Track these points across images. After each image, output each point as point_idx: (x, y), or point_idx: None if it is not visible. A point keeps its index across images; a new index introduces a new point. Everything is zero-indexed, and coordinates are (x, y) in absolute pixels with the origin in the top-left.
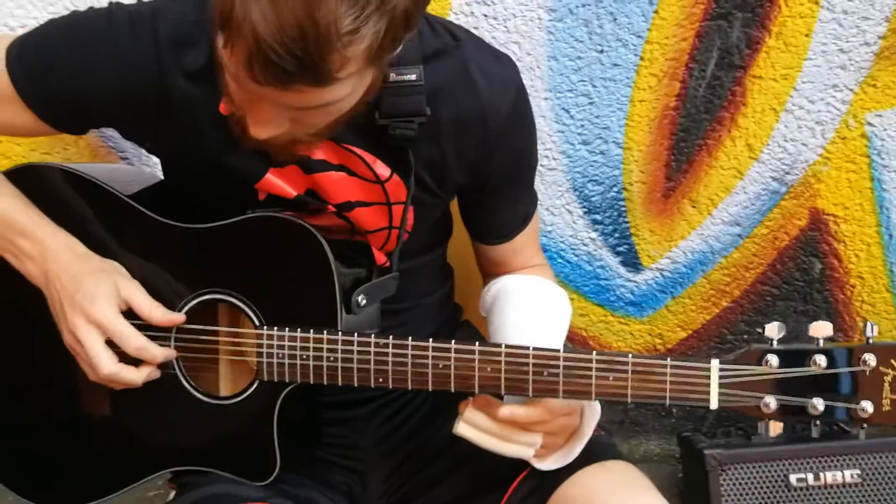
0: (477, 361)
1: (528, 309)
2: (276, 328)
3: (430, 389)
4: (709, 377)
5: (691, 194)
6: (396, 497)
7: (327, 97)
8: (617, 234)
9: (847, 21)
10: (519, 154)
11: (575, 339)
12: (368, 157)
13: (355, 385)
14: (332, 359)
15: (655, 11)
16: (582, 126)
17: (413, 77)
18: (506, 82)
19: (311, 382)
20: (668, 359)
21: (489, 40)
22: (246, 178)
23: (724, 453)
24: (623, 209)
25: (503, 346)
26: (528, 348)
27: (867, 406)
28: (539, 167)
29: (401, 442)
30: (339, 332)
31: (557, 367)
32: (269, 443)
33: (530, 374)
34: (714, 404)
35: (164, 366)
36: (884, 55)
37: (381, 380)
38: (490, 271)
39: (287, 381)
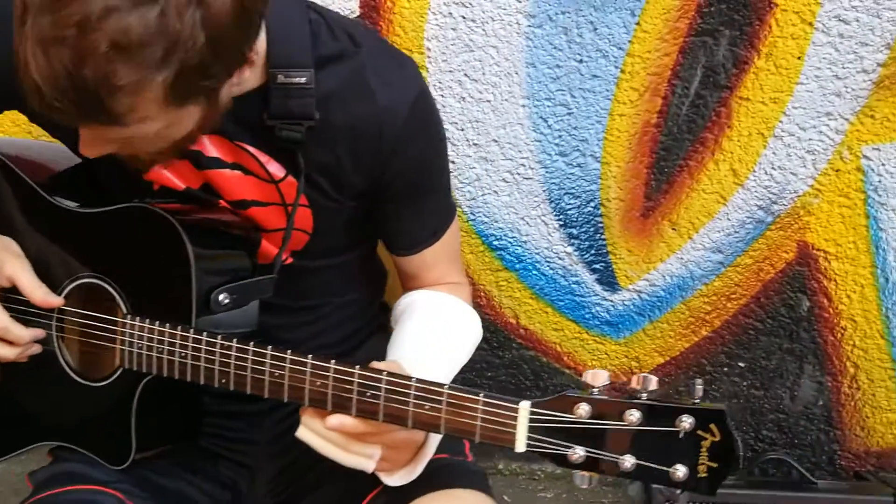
0: (308, 375)
1: (425, 327)
2: (137, 318)
3: (266, 396)
4: (516, 418)
5: (671, 216)
6: (281, 497)
7: (132, 133)
8: (593, 251)
9: (843, 46)
10: (421, 163)
11: (549, 354)
12: (262, 157)
13: (201, 383)
14: (182, 355)
15: (637, 24)
16: (559, 137)
17: (303, 80)
18: (404, 88)
19: (165, 376)
20: (482, 394)
21: (466, 43)
22: (133, 169)
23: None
24: (600, 225)
25: (332, 362)
26: (355, 367)
27: (681, 470)
28: (514, 175)
29: (293, 442)
30: (191, 330)
31: (379, 389)
32: (127, 429)
33: (354, 393)
34: (521, 447)
35: (46, 343)
36: (883, 84)
37: (223, 381)
38: (404, 283)
39: (145, 370)
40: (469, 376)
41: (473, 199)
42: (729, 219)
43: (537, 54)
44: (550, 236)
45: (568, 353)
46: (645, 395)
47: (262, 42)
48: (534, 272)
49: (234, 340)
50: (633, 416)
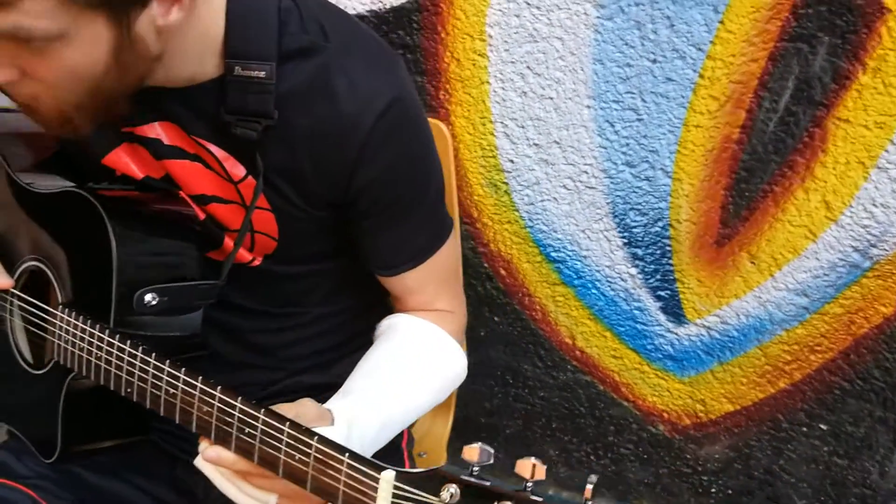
0: (196, 399)
1: (389, 360)
2: (66, 310)
3: (162, 415)
4: (377, 489)
5: (750, 247)
6: None
7: (16, 22)
8: (659, 276)
9: None
10: (391, 179)
11: (606, 382)
12: (220, 154)
13: (112, 389)
14: (97, 356)
15: (721, 22)
16: (627, 145)
17: (262, 74)
18: (372, 93)
19: (84, 374)
20: (347, 454)
21: (530, 32)
22: (92, 151)
23: None
24: (668, 249)
25: (218, 389)
26: (236, 399)
27: None
28: (576, 182)
29: None
30: (106, 330)
31: (255, 428)
32: (55, 424)
33: (234, 428)
34: None
35: (2, 323)
36: None
37: (129, 390)
38: (391, 303)
39: (68, 366)
40: (521, 393)
41: (532, 203)
42: (818, 258)
43: (606, 50)
44: (613, 254)
45: (627, 384)
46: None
47: (217, 27)
48: (593, 291)
49: (140, 349)
50: None
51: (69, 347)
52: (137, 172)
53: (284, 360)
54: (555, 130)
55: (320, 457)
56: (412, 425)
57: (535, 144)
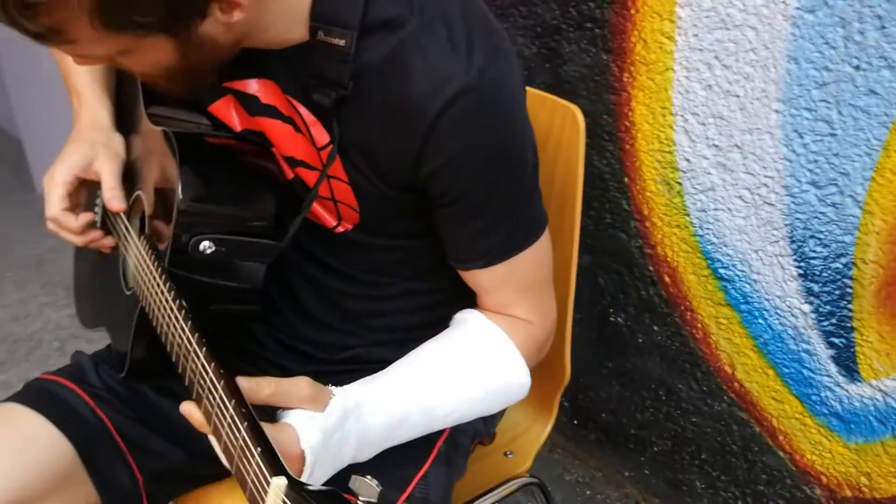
0: (189, 352)
1: (442, 355)
2: (142, 240)
3: (173, 360)
4: (267, 493)
5: None
6: None
7: (83, 51)
8: (834, 321)
9: None
10: (460, 172)
11: (763, 425)
12: (309, 118)
13: (153, 324)
14: (148, 289)
15: None
16: (814, 162)
17: (341, 42)
18: (445, 79)
19: (141, 303)
20: (259, 449)
21: (722, 17)
22: (200, 98)
23: None
24: (848, 290)
25: (203, 350)
26: (210, 363)
27: None
28: (754, 195)
29: None
30: (160, 267)
31: (214, 398)
32: (128, 343)
33: (205, 390)
34: None
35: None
36: None
37: (158, 327)
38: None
39: (136, 293)
40: (673, 412)
41: (704, 210)
42: None
43: (803, 48)
44: (785, 284)
45: (785, 433)
46: None
47: None
48: (759, 321)
49: (172, 291)
50: None
51: (138, 275)
52: (237, 125)
53: (365, 328)
54: (737, 133)
55: (243, 445)
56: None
57: (715, 145)
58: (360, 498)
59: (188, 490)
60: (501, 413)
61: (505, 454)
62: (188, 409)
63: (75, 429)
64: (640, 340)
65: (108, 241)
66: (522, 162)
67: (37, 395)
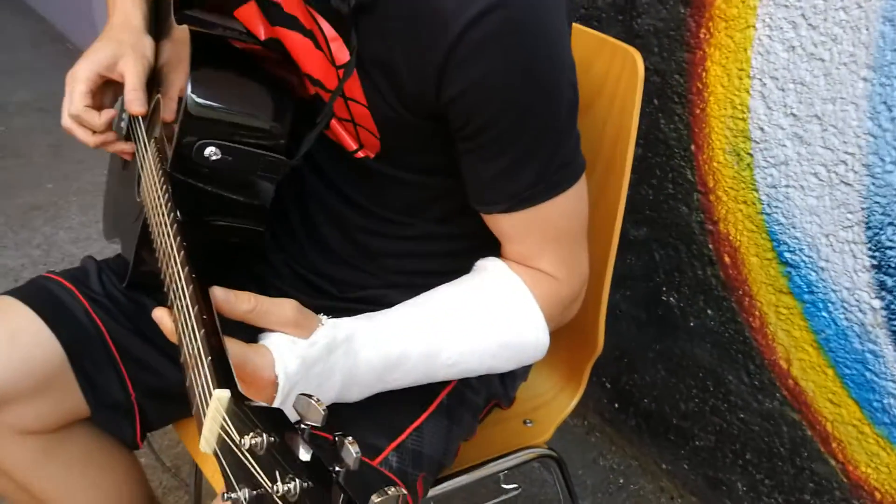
0: (169, 252)
1: (454, 300)
2: (152, 144)
3: (159, 265)
4: (207, 406)
5: None
6: None
7: None
8: None
9: None
10: (484, 100)
11: (816, 429)
12: (330, 34)
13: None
14: (150, 191)
15: None
16: None
17: None
18: None
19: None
20: (210, 357)
21: None
22: (227, 3)
23: None
24: None
25: (182, 252)
26: (185, 267)
27: None
28: (830, 173)
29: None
30: (161, 169)
31: (182, 302)
32: (131, 252)
33: (177, 296)
34: (204, 445)
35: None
36: None
37: (151, 231)
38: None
39: (141, 195)
40: (719, 406)
41: (774, 186)
42: None
43: None
44: (856, 275)
45: (839, 440)
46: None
47: None
48: (823, 314)
49: (167, 193)
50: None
51: (144, 177)
52: (261, 32)
53: (381, 269)
54: (818, 101)
55: (196, 353)
56: (509, 384)
57: (793, 114)
58: (305, 420)
59: (186, 414)
60: (524, 376)
61: (524, 422)
62: (159, 314)
63: (66, 329)
64: (692, 324)
65: (127, 147)
66: (556, 95)
67: (32, 292)
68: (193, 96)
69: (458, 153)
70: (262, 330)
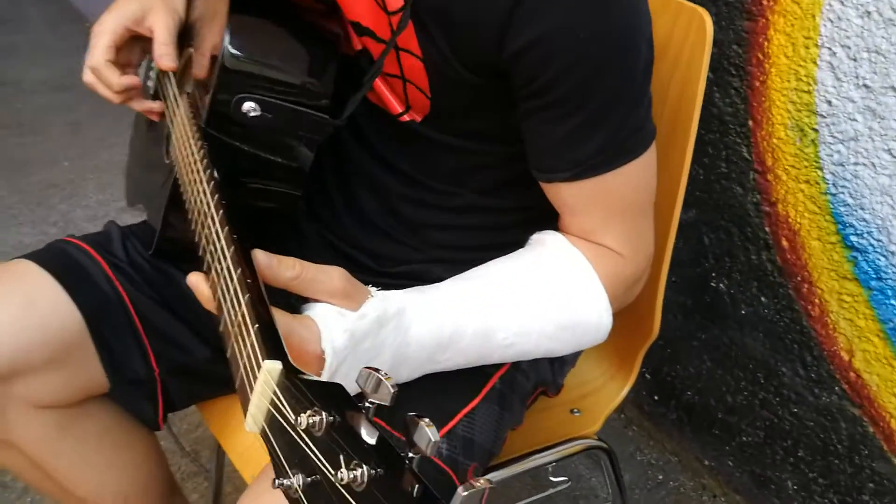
0: (206, 214)
1: (512, 275)
2: (184, 99)
3: (192, 227)
4: (255, 380)
5: None
6: None
7: None
8: None
9: None
10: (551, 55)
11: (879, 426)
12: None
13: (178, 187)
14: (182, 149)
15: None
16: None
17: None
18: None
19: (174, 165)
20: (257, 325)
21: None
22: None
23: None
24: None
25: (221, 212)
26: (224, 227)
27: None
28: None
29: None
30: (196, 125)
31: (222, 266)
32: (160, 215)
33: (214, 259)
34: (249, 424)
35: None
36: None
37: (184, 192)
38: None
39: (171, 156)
40: (771, 399)
41: (842, 164)
42: None
43: None
44: None
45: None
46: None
47: None
48: (892, 302)
49: (202, 150)
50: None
51: (175, 136)
52: None
53: (424, 242)
54: (895, 71)
55: (241, 321)
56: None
57: (865, 86)
58: (369, 398)
59: (211, 395)
60: (572, 362)
61: (571, 411)
62: (195, 280)
63: (86, 297)
64: (743, 312)
65: (155, 106)
66: (633, 52)
67: (51, 255)
68: (231, 48)
69: (518, 115)
70: (303, 299)
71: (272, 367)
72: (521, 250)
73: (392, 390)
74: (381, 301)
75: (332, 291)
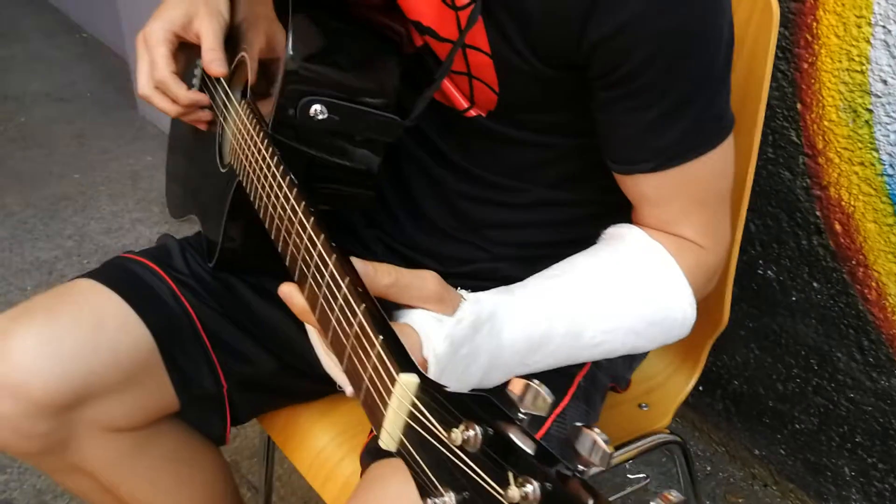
0: (293, 223)
1: (596, 272)
2: (242, 104)
3: (272, 237)
4: (390, 394)
5: None
6: None
7: None
8: None
9: None
10: (634, 45)
11: None
12: None
13: (251, 198)
14: (246, 155)
15: None
16: None
17: None
18: None
19: (237, 173)
20: (382, 337)
21: None
22: None
23: None
24: None
25: (311, 220)
26: (319, 236)
27: None
28: None
29: None
30: (262, 131)
31: (323, 276)
32: (220, 226)
33: (310, 269)
34: (386, 442)
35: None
36: None
37: (256, 201)
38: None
39: (232, 163)
40: (825, 385)
41: None
42: None
43: None
44: None
45: None
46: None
47: None
48: None
49: (275, 157)
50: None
51: (237, 146)
52: None
53: (489, 240)
54: None
55: (359, 331)
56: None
57: None
58: (522, 408)
59: (274, 407)
60: (642, 357)
61: (639, 406)
62: (288, 290)
63: (155, 315)
64: (794, 299)
65: (205, 115)
66: (716, 35)
67: (115, 274)
68: (294, 50)
69: (594, 106)
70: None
71: (409, 381)
72: (598, 245)
73: (549, 400)
74: (475, 304)
75: (427, 297)
